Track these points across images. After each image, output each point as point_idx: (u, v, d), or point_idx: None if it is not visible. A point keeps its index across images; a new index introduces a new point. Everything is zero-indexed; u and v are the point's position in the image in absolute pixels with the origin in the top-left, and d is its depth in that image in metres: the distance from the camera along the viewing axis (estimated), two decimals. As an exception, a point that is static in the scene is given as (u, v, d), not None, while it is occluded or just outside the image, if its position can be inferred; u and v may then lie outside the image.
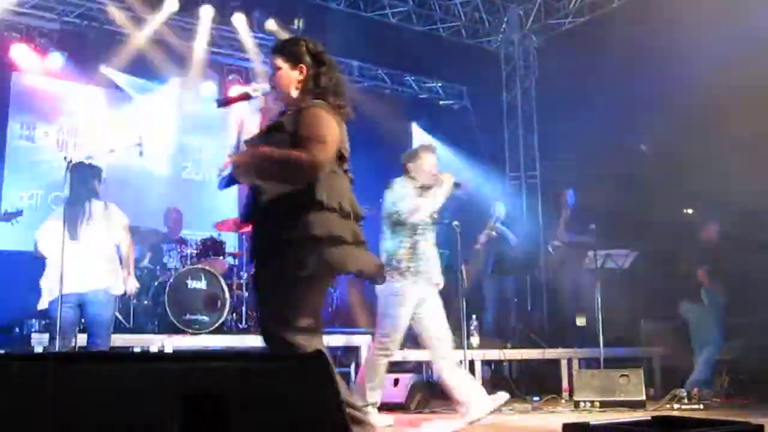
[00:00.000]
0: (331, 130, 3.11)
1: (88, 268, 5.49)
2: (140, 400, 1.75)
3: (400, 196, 5.43)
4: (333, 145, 3.09)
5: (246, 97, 3.37)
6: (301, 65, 3.34)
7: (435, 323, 5.44)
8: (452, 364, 5.48)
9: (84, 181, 5.68)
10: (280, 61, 3.38)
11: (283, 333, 2.99)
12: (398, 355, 8.08)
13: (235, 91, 3.44)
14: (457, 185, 5.50)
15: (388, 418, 5.72)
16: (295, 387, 1.78)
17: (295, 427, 1.75)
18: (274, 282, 3.03)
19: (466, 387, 5.34)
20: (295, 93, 3.34)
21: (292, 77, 3.36)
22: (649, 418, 2.51)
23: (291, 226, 3.00)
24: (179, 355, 2.41)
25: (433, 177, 5.51)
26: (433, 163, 5.60)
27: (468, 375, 5.83)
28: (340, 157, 3.21)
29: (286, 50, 3.43)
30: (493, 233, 9.27)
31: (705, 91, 7.68)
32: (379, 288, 5.22)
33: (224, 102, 3.45)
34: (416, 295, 5.35)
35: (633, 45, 9.08)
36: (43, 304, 5.57)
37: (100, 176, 5.86)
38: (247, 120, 3.45)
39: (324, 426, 1.72)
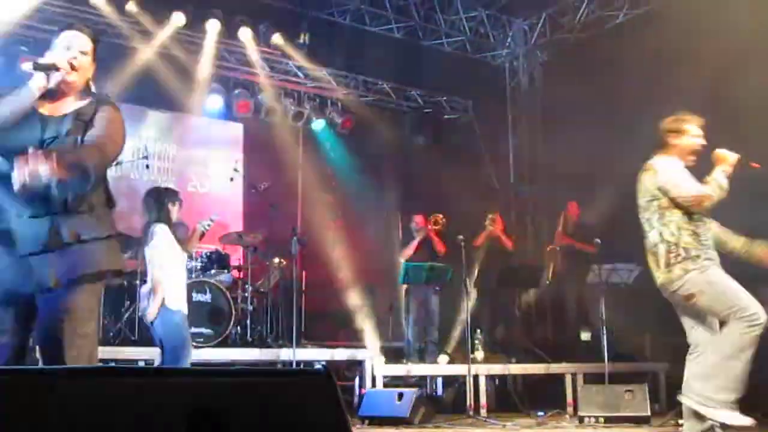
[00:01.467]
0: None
1: None
2: (142, 416, 1.76)
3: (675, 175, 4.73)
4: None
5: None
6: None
7: None
8: None
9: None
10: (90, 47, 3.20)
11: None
12: (402, 369, 8.12)
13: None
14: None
15: None
16: (300, 403, 1.78)
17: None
18: None
19: None
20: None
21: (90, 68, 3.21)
22: None
23: None
24: (183, 370, 2.42)
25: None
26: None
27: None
28: None
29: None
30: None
31: (711, 103, 7.70)
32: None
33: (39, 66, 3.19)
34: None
35: (638, 59, 9.11)
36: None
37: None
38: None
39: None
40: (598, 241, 8.26)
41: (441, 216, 9.02)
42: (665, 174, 4.72)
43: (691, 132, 4.84)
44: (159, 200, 5.83)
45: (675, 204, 4.70)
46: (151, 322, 5.59)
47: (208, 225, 6.53)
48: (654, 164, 4.82)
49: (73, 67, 3.08)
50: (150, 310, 5.54)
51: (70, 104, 3.13)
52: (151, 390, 1.84)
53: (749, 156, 4.77)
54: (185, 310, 5.72)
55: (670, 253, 4.67)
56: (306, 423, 1.73)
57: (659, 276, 4.73)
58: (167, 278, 5.64)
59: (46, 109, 3.10)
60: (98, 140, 3.03)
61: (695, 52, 8.08)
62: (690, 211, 4.69)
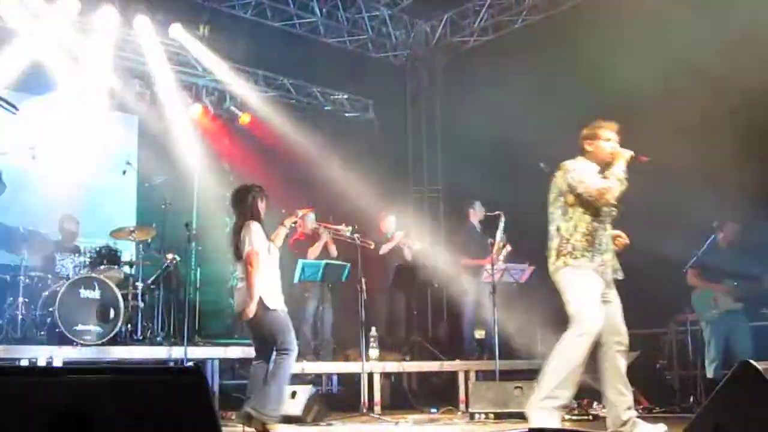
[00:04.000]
0: None
1: None
2: (3, 415, 1.67)
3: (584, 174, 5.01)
4: None
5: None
6: None
7: None
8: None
9: None
10: None
11: None
12: (297, 368, 8.06)
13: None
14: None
15: None
16: (169, 400, 1.73)
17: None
18: None
19: None
20: None
21: None
22: (527, 429, 2.57)
23: None
24: (51, 370, 2.32)
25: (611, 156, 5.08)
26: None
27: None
28: None
29: None
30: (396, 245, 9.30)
31: (606, 103, 7.99)
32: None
33: None
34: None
35: (534, 65, 9.35)
36: None
37: None
38: None
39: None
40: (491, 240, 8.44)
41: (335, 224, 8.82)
42: (574, 171, 5.02)
43: (604, 137, 5.13)
44: (248, 198, 5.86)
45: (580, 203, 4.97)
46: (247, 321, 5.68)
47: (294, 224, 6.56)
48: (567, 164, 5.12)
49: None
50: (248, 310, 5.58)
51: None
52: (16, 389, 1.76)
53: (639, 150, 5.09)
54: (284, 307, 5.82)
55: (560, 246, 4.98)
56: (175, 419, 1.68)
57: (549, 265, 5.07)
58: (263, 277, 5.66)
59: None
60: None
61: (589, 59, 8.36)
62: (594, 214, 4.97)
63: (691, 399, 7.80)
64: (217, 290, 10.05)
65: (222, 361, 7.96)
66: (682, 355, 8.53)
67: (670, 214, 7.71)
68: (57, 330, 6.92)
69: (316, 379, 8.50)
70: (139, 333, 7.93)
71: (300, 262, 8.14)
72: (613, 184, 4.94)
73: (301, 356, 8.46)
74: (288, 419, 6.63)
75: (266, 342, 5.77)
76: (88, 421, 1.66)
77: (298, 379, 8.13)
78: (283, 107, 11.22)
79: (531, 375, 7.92)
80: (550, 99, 8.93)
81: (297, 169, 10.72)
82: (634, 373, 8.04)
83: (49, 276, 7.71)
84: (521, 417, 6.63)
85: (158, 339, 8.07)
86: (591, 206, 4.97)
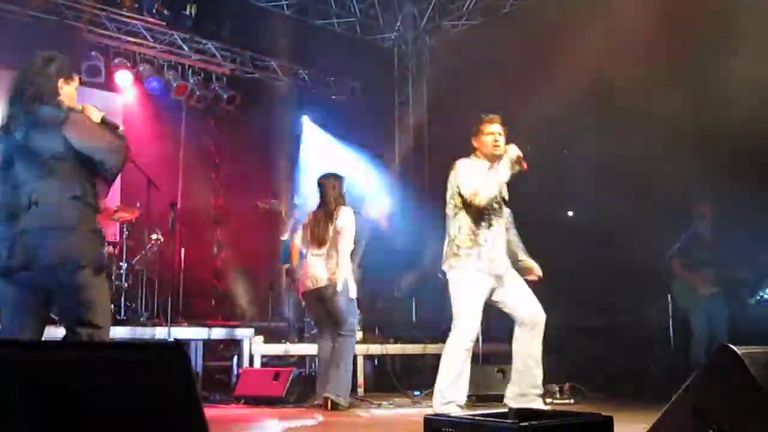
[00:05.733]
0: None
1: None
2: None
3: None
4: None
5: None
6: None
7: None
8: None
9: None
10: None
11: None
12: (280, 349, 8.08)
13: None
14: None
15: None
16: (150, 377, 1.73)
17: (149, 418, 1.70)
18: None
19: None
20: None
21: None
22: (506, 410, 2.60)
23: None
24: (32, 344, 2.31)
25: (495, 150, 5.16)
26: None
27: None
28: None
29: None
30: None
31: (594, 89, 8.00)
32: None
33: None
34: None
35: (523, 50, 9.32)
36: None
37: None
38: None
39: (179, 417, 1.68)
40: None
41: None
42: (459, 174, 5.15)
43: (485, 131, 5.23)
44: (337, 184, 6.52)
45: (463, 203, 5.11)
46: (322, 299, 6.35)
47: None
48: (456, 164, 5.23)
49: None
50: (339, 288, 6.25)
51: None
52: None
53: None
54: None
55: (449, 247, 5.16)
56: (155, 397, 1.68)
57: (442, 265, 5.26)
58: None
59: None
60: None
61: (578, 45, 8.34)
62: (476, 213, 5.08)
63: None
64: (202, 271, 10.02)
65: (206, 342, 7.95)
66: (666, 341, 8.60)
67: (647, 196, 7.77)
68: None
69: (299, 361, 8.51)
70: (122, 313, 7.90)
71: (284, 243, 8.12)
72: (485, 187, 4.99)
73: (284, 338, 8.50)
74: (270, 400, 6.66)
75: (329, 321, 6.45)
76: (70, 396, 1.65)
77: (281, 360, 8.15)
78: (269, 89, 11.16)
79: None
80: (539, 84, 8.91)
81: (284, 150, 10.70)
82: (618, 360, 8.20)
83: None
84: (503, 399, 6.70)
85: (142, 319, 8.04)
86: (471, 206, 5.06)
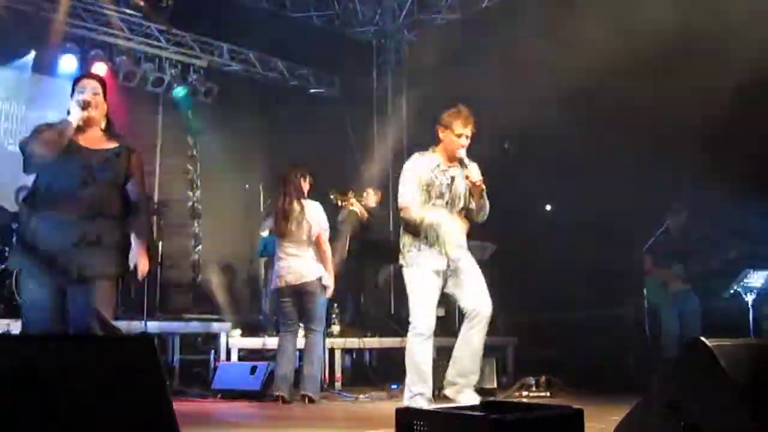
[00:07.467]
0: None
1: None
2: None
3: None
4: None
5: None
6: None
7: None
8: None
9: None
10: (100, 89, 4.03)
11: None
12: (258, 343, 8.05)
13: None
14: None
15: None
16: (120, 368, 1.72)
17: (117, 408, 1.69)
18: None
19: None
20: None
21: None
22: (478, 403, 2.61)
23: None
24: (4, 336, 2.30)
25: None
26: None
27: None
28: None
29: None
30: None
31: (573, 83, 8.02)
32: None
33: None
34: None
35: (502, 44, 9.32)
36: None
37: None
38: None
39: (147, 407, 1.67)
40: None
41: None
42: (403, 176, 5.09)
43: (456, 131, 5.03)
44: (304, 176, 6.46)
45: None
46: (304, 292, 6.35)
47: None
48: (406, 163, 5.14)
49: (89, 105, 3.92)
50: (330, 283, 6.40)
51: (101, 141, 4.05)
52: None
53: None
54: None
55: (399, 244, 5.17)
56: (126, 387, 1.67)
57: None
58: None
59: (81, 140, 3.94)
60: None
61: (557, 39, 8.36)
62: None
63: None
64: (180, 265, 9.97)
65: (183, 336, 7.91)
66: (639, 336, 8.68)
67: (625, 193, 7.84)
68: (14, 303, 6.81)
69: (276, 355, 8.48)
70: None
71: (261, 237, 8.08)
72: (416, 209, 4.94)
73: (261, 331, 8.47)
74: (247, 395, 6.65)
75: (299, 317, 6.47)
76: (44, 386, 1.64)
77: (258, 354, 8.12)
78: (247, 81, 11.10)
79: (491, 353, 8.05)
80: (518, 77, 8.92)
81: (262, 143, 10.65)
82: (594, 353, 8.25)
83: (7, 249, 7.57)
84: (479, 393, 6.69)
85: (118, 313, 7.96)
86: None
